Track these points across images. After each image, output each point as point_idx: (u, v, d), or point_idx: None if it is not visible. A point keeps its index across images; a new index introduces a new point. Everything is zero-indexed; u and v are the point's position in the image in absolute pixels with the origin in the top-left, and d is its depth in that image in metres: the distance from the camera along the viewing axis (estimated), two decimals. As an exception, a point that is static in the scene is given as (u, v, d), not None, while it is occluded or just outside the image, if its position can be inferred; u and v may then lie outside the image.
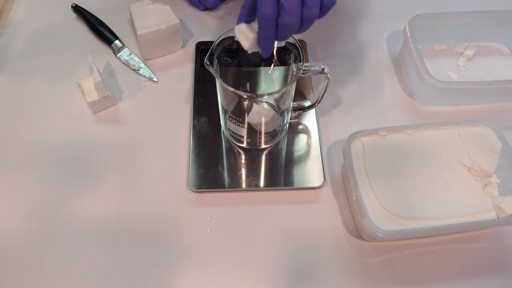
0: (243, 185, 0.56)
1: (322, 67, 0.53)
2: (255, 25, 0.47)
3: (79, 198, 0.55)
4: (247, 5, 0.46)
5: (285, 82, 0.57)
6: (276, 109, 0.56)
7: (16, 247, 0.52)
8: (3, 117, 0.62)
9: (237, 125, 0.55)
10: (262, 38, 0.46)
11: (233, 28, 0.53)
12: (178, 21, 0.66)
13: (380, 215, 0.50)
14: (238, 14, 0.48)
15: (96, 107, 0.62)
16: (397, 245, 0.53)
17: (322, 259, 0.52)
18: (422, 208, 0.51)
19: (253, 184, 0.56)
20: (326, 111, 0.64)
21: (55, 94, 0.64)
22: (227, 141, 0.60)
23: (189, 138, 0.60)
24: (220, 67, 0.55)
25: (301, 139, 0.60)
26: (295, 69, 0.53)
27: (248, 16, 0.47)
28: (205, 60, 0.50)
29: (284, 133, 0.60)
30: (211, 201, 0.56)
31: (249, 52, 0.48)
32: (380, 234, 0.47)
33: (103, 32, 0.69)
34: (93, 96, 0.60)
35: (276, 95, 0.51)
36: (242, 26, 0.47)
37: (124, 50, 0.68)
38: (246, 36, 0.47)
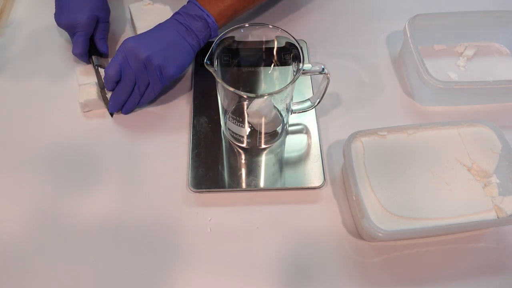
0: (243, 185, 0.56)
1: (322, 67, 0.53)
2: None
3: (80, 198, 0.55)
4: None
5: (285, 82, 0.57)
6: (276, 109, 0.56)
7: (16, 247, 0.52)
8: (3, 117, 0.62)
9: (237, 125, 0.55)
10: (105, 85, 0.61)
11: (233, 28, 0.53)
12: (178, 21, 0.66)
13: (380, 215, 0.50)
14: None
15: (90, 106, 0.62)
16: (397, 245, 0.53)
17: (322, 259, 0.52)
18: (422, 208, 0.51)
19: (253, 184, 0.56)
20: (326, 111, 0.64)
21: (55, 94, 0.64)
22: (227, 141, 0.60)
23: (189, 138, 0.60)
24: (220, 67, 0.55)
25: (301, 139, 0.60)
26: (295, 69, 0.53)
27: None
28: (205, 60, 0.50)
29: (284, 133, 0.60)
30: (211, 201, 0.56)
31: None
32: (380, 234, 0.47)
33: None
34: (91, 95, 0.61)
35: (276, 95, 0.51)
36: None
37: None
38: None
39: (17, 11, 0.74)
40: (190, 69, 0.67)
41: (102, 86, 0.63)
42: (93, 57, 0.66)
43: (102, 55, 0.67)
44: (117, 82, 0.60)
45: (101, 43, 0.66)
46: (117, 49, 0.58)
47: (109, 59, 0.63)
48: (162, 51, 0.57)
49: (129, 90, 0.60)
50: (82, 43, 0.63)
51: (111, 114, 0.62)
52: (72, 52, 0.64)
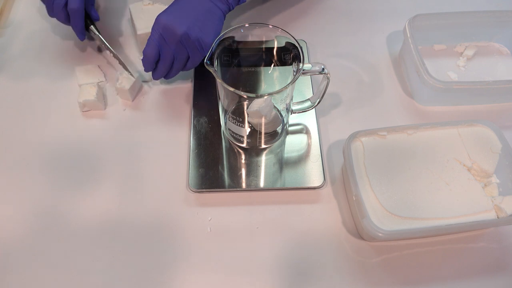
0: (243, 185, 0.56)
1: (322, 67, 0.53)
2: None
3: (80, 199, 0.55)
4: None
5: (285, 82, 0.57)
6: (276, 109, 0.56)
7: (16, 246, 0.52)
8: (3, 117, 0.62)
9: (237, 125, 0.55)
10: (144, 65, 0.60)
11: (233, 28, 0.53)
12: (178, 21, 0.66)
13: (380, 215, 0.50)
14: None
15: (88, 106, 0.62)
16: (397, 245, 0.53)
17: (322, 259, 0.52)
18: (422, 208, 0.51)
19: (253, 184, 0.56)
20: (326, 111, 0.64)
21: (54, 94, 0.64)
22: (227, 141, 0.60)
23: (189, 138, 0.60)
24: (220, 67, 0.55)
25: (301, 139, 0.60)
26: (295, 69, 0.53)
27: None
28: (205, 60, 0.50)
29: (284, 133, 0.60)
30: (211, 201, 0.56)
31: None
32: (380, 234, 0.47)
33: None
34: (91, 95, 0.61)
35: (276, 95, 0.51)
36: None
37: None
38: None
39: (17, 11, 0.74)
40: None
41: (116, 56, 0.64)
42: (92, 27, 0.65)
43: (94, 22, 0.66)
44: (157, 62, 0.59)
45: (92, 10, 0.65)
46: (152, 26, 0.57)
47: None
48: (197, 23, 0.56)
49: (169, 66, 0.59)
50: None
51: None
52: (69, 8, 0.61)
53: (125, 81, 0.62)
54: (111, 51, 0.65)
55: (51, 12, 0.63)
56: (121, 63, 0.64)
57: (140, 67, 0.66)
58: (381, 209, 0.50)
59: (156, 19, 0.57)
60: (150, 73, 0.63)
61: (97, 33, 0.65)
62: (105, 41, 0.65)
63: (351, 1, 0.78)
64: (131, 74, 0.63)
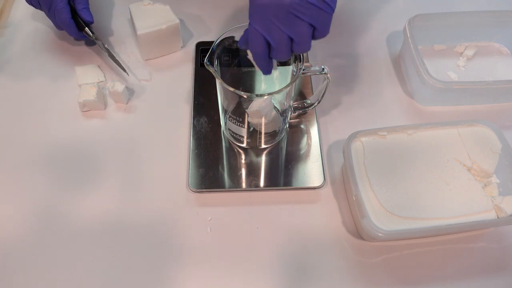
0: (243, 185, 0.56)
1: (322, 67, 0.53)
2: None
3: (80, 199, 0.55)
4: (242, 41, 0.48)
5: (285, 82, 0.57)
6: (277, 109, 0.56)
7: (16, 246, 0.52)
8: (3, 117, 0.62)
9: (237, 125, 0.55)
10: (258, 66, 0.49)
11: (233, 28, 0.53)
12: (178, 21, 0.66)
13: (380, 215, 0.50)
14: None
15: (88, 106, 0.62)
16: (397, 245, 0.53)
17: (322, 259, 0.52)
18: (422, 208, 0.51)
19: (253, 184, 0.56)
20: (326, 111, 0.64)
21: (55, 94, 0.64)
22: (227, 141, 0.60)
23: (189, 138, 0.60)
24: (220, 67, 0.55)
25: (301, 139, 0.60)
26: (295, 69, 0.53)
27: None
28: (205, 60, 0.50)
29: (284, 133, 0.60)
30: (211, 201, 0.56)
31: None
32: (380, 234, 0.47)
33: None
34: (91, 95, 0.61)
35: (276, 95, 0.51)
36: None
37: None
38: None
39: (17, 11, 0.74)
40: (190, 69, 0.67)
41: (111, 55, 0.64)
42: (86, 29, 0.65)
43: (89, 26, 0.66)
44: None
45: (85, 13, 0.63)
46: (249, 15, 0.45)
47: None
48: None
49: (287, 52, 0.46)
50: (65, 9, 0.60)
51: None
52: (58, 21, 0.61)
53: (118, 84, 0.62)
54: (107, 51, 0.65)
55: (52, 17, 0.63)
56: (116, 62, 0.64)
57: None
58: (381, 209, 0.50)
59: (251, 4, 0.44)
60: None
61: (91, 34, 0.65)
62: (100, 42, 0.65)
63: (351, 1, 0.78)
64: (126, 72, 0.64)
